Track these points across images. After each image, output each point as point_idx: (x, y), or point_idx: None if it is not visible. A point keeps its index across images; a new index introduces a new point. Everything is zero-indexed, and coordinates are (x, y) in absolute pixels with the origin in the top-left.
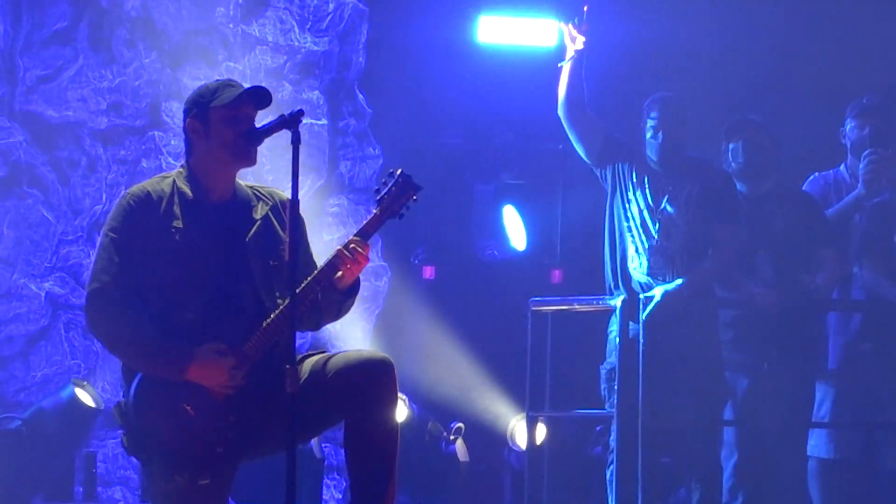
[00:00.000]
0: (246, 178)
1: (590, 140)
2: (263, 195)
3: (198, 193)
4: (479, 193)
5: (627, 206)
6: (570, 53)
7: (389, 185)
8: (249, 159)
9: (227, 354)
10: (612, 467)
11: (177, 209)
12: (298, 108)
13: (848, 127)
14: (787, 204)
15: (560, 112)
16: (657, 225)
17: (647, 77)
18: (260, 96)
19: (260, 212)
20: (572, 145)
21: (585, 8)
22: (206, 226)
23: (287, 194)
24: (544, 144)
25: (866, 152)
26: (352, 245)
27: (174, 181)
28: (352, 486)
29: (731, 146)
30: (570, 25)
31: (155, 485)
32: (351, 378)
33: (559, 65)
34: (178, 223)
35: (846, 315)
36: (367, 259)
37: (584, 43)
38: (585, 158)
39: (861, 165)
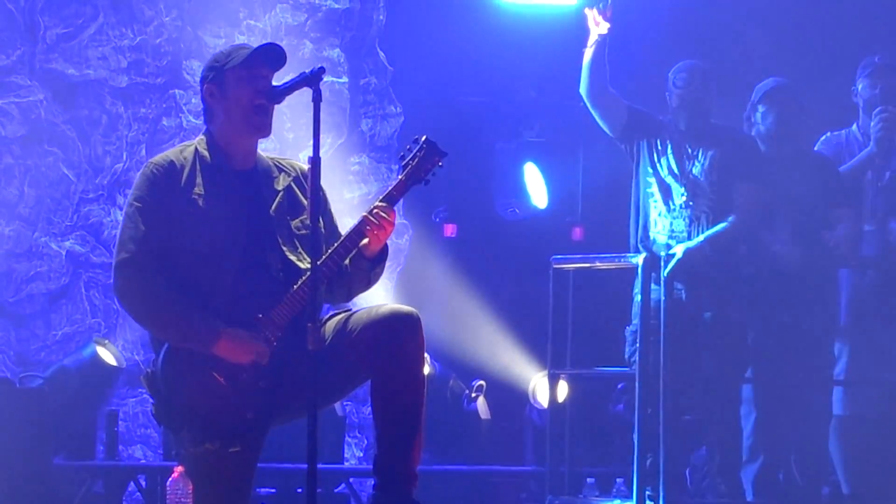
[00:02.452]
0: (267, 139)
1: (613, 118)
2: (285, 167)
3: (219, 160)
4: (500, 151)
5: (651, 172)
6: (593, 38)
7: (414, 150)
8: (264, 122)
9: (255, 333)
10: None
11: (198, 177)
12: (319, 65)
13: (860, 86)
14: (805, 165)
15: (582, 92)
16: (682, 189)
17: (669, 46)
18: (273, 53)
19: (282, 183)
20: None
21: None
22: (228, 193)
23: (307, 166)
24: (565, 102)
25: (877, 110)
26: (376, 210)
27: (196, 149)
28: (378, 440)
29: (761, 109)
30: (595, 10)
31: (185, 451)
32: (376, 333)
33: (583, 49)
34: (200, 190)
35: (859, 272)
36: (393, 225)
37: (609, 28)
38: (609, 133)
39: (872, 123)
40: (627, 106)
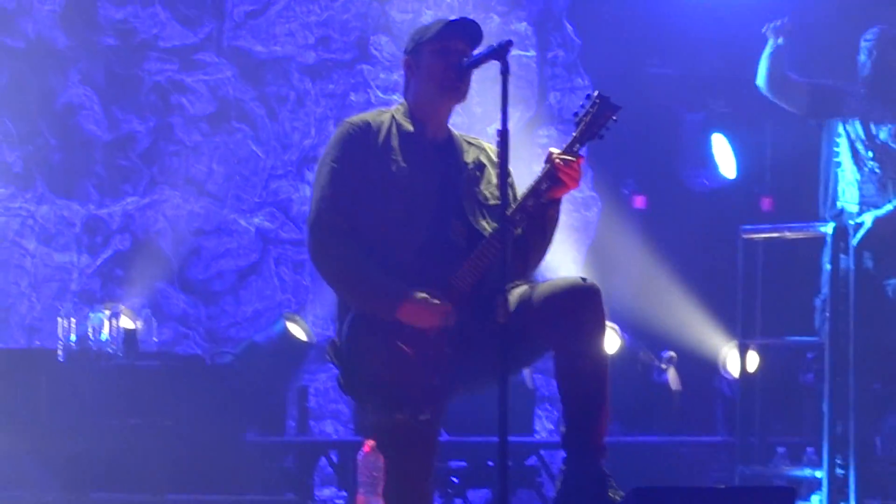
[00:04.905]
0: (455, 111)
1: (797, 103)
2: (474, 143)
3: (414, 129)
4: (688, 122)
5: (838, 140)
6: (770, 45)
7: (587, 107)
8: (456, 93)
9: (441, 299)
10: None
11: (395, 142)
12: (507, 38)
13: None
14: None
15: (760, 84)
16: (871, 153)
17: (855, 21)
18: (466, 27)
19: (471, 156)
20: None
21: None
22: (422, 161)
23: (495, 145)
24: (753, 71)
25: None
26: (560, 157)
27: (393, 115)
28: (564, 415)
29: None
30: (772, 26)
31: (374, 422)
32: (557, 307)
33: (763, 30)
34: (396, 155)
35: None
36: (580, 169)
37: (785, 40)
38: (797, 113)
39: None
40: (809, 89)
